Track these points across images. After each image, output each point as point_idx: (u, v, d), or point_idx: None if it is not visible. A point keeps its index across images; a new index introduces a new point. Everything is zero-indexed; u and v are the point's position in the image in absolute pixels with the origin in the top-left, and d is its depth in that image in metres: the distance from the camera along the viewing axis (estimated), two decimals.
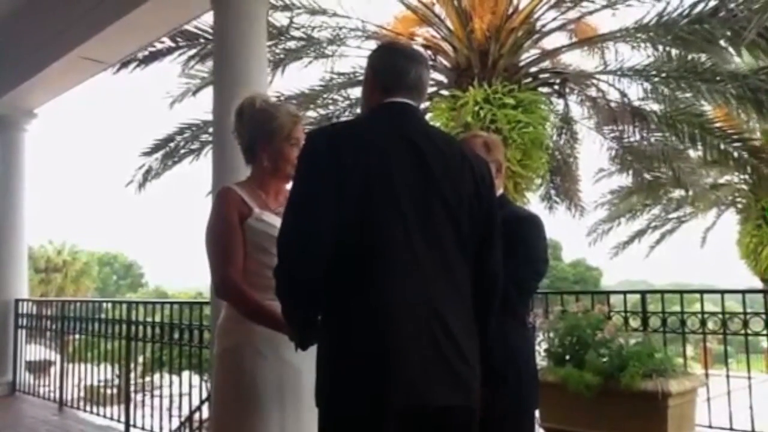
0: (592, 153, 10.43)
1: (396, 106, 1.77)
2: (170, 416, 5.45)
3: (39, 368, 7.35)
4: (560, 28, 9.23)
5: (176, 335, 5.15)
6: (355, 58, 9.24)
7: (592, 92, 9.25)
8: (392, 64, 1.81)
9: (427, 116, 8.59)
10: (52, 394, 6.73)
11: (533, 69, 9.09)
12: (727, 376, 4.31)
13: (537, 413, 3.43)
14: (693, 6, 7.36)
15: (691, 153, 9.86)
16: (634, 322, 4.33)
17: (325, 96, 9.46)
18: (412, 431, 1.59)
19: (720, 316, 4.28)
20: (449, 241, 1.69)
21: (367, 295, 1.60)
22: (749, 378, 4.40)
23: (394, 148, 1.68)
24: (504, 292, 2.21)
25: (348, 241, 1.60)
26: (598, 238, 15.83)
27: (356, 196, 1.61)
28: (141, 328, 5.59)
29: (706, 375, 4.06)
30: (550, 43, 9.52)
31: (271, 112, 2.20)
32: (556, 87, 9.39)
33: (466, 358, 1.65)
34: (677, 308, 4.40)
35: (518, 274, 2.28)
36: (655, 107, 8.90)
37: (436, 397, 1.59)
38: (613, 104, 9.01)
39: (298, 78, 9.37)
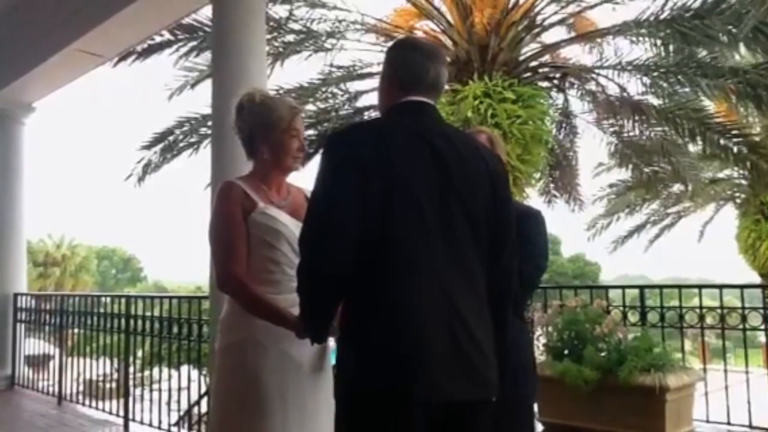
0: (592, 147, 10.44)
1: (415, 105, 1.78)
2: (169, 410, 5.46)
3: (38, 362, 7.36)
4: (560, 22, 9.21)
5: (175, 329, 5.16)
6: (355, 51, 9.23)
7: (592, 87, 9.24)
8: (412, 62, 1.81)
9: None
10: (51, 388, 6.74)
11: (533, 63, 9.08)
12: (725, 371, 4.32)
13: (535, 407, 3.45)
14: (693, 1, 7.35)
15: (691, 147, 9.86)
16: (633, 317, 4.33)
17: (324, 89, 9.44)
18: (432, 425, 1.62)
19: (718, 310, 4.29)
20: (466, 240, 1.70)
21: (388, 294, 1.62)
22: (747, 373, 4.40)
23: (414, 150, 1.70)
24: None
25: (370, 241, 1.61)
26: (597, 232, 15.84)
27: (378, 198, 1.62)
28: (140, 322, 5.59)
29: (704, 370, 4.07)
30: (550, 37, 9.52)
31: (270, 105, 2.20)
32: (556, 81, 9.38)
33: (485, 353, 1.67)
34: (675, 303, 4.41)
35: (521, 269, 2.31)
36: (655, 102, 8.89)
37: (457, 391, 1.62)
38: (612, 99, 9.00)
39: (297, 71, 9.36)
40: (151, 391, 5.82)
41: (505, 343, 1.78)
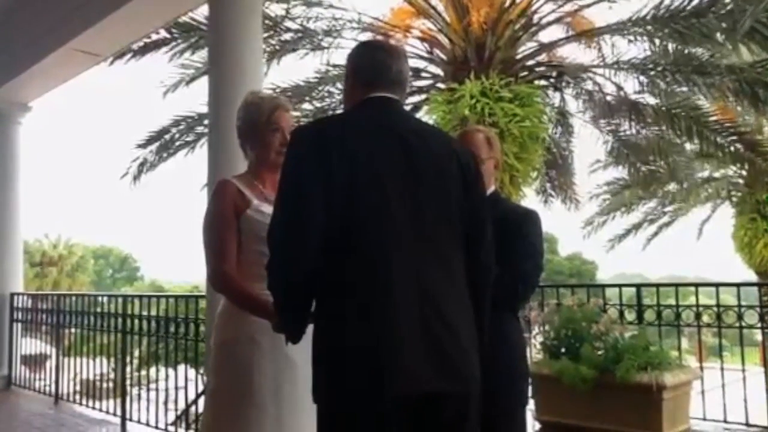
0: (588, 146, 10.45)
1: (379, 100, 1.78)
2: (166, 410, 5.45)
3: (35, 362, 7.34)
4: (557, 21, 9.22)
5: (172, 329, 5.15)
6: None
7: (589, 86, 9.26)
8: (373, 60, 1.82)
9: (424, 109, 8.59)
10: (47, 388, 6.73)
11: (530, 62, 9.08)
12: (722, 369, 4.33)
13: (533, 406, 3.46)
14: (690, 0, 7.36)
15: (687, 146, 9.88)
16: (630, 316, 4.34)
17: (320, 88, 9.44)
18: (410, 420, 1.60)
19: (715, 309, 4.30)
20: (440, 233, 1.70)
21: (361, 291, 1.60)
22: (743, 371, 4.41)
23: (380, 143, 1.69)
24: (512, 289, 2.25)
25: (337, 236, 1.60)
26: (593, 231, 15.86)
27: (344, 191, 1.61)
28: (137, 321, 5.58)
29: (701, 368, 4.07)
30: (546, 36, 9.53)
31: (255, 102, 2.25)
32: (553, 80, 9.38)
33: (463, 346, 1.66)
34: (672, 301, 4.41)
35: (524, 269, 2.31)
36: (652, 101, 8.91)
37: (434, 384, 1.60)
38: (609, 98, 9.01)
39: (293, 70, 9.36)
40: (148, 390, 5.81)
41: (486, 339, 1.77)
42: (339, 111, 9.39)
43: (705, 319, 4.32)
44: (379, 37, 8.45)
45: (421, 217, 1.67)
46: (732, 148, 9.50)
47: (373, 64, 1.81)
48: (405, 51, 1.99)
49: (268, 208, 2.10)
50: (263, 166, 2.22)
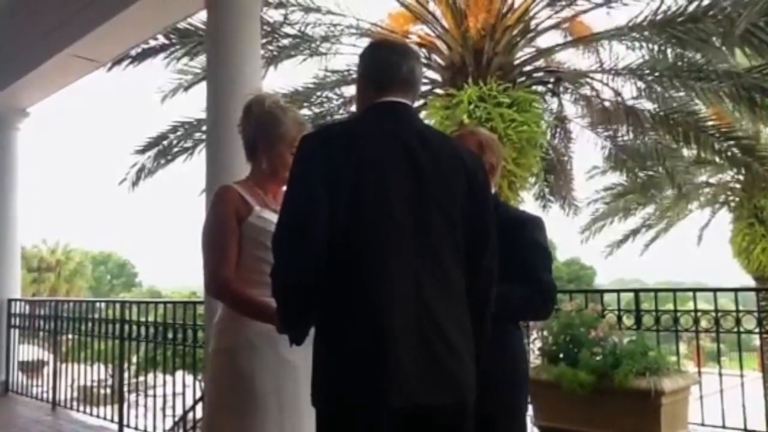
0: (586, 152, 10.47)
1: (389, 105, 1.77)
2: (164, 416, 5.43)
3: (32, 368, 7.33)
4: (555, 26, 9.23)
5: (170, 335, 5.15)
6: (349, 56, 9.24)
7: (586, 91, 9.26)
8: (384, 60, 1.81)
9: (422, 114, 8.59)
10: (45, 395, 6.71)
11: (528, 68, 9.09)
12: (720, 374, 4.32)
13: (531, 412, 3.45)
14: (687, 5, 7.38)
15: (685, 151, 9.89)
16: (628, 321, 4.33)
17: (318, 94, 9.45)
18: (407, 425, 1.60)
19: (713, 314, 4.30)
20: (443, 240, 1.69)
21: (359, 297, 1.61)
22: (742, 376, 4.40)
23: (386, 151, 1.69)
24: (543, 308, 2.31)
25: (341, 242, 1.61)
26: (591, 236, 15.85)
27: (349, 199, 1.61)
28: (135, 327, 5.57)
29: (699, 373, 4.07)
30: (544, 41, 9.54)
31: (278, 116, 2.20)
32: (551, 86, 9.39)
33: (460, 356, 1.66)
34: (670, 306, 4.41)
35: (545, 281, 2.30)
36: (649, 106, 8.92)
37: (428, 396, 1.60)
38: (607, 103, 9.02)
39: (292, 75, 9.38)
40: (145, 396, 5.80)
41: (486, 346, 1.76)
42: (337, 116, 9.46)
43: (703, 324, 4.32)
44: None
45: (424, 224, 1.67)
46: (729, 153, 9.51)
47: (383, 67, 1.80)
48: (417, 50, 1.96)
49: (270, 215, 2.09)
50: (272, 179, 2.20)
